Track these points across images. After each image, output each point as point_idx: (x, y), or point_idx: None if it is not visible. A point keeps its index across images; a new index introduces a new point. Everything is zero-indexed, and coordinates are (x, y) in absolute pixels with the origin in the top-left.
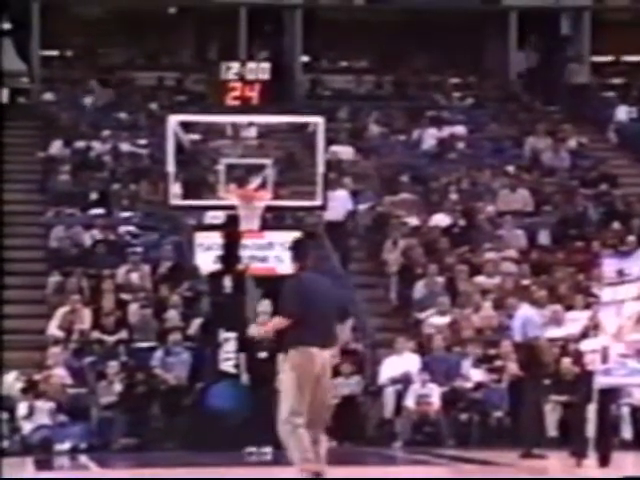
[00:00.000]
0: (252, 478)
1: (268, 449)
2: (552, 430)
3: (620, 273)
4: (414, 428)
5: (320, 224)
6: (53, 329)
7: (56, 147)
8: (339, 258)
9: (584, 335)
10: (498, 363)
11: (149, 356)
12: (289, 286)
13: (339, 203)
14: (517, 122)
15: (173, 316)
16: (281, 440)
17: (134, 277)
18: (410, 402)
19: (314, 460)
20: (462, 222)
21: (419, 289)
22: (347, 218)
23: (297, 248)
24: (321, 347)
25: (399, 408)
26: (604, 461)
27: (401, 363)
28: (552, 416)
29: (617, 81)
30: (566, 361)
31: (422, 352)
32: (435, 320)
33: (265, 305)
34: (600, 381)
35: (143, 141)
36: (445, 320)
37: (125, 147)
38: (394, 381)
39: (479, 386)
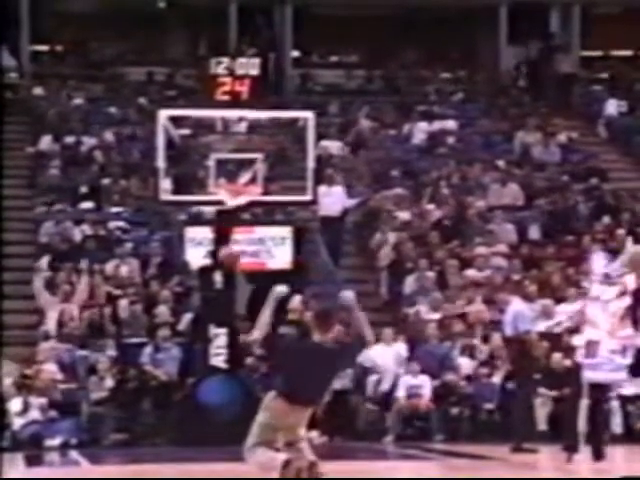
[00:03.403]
0: (244, 478)
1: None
2: (543, 424)
3: (606, 276)
4: (405, 422)
5: (313, 219)
6: (51, 325)
7: (45, 142)
8: (331, 253)
9: (575, 328)
10: (489, 357)
11: (139, 352)
12: (283, 350)
13: (336, 199)
14: (507, 117)
15: (163, 311)
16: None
17: (124, 272)
18: (401, 394)
19: (282, 454)
20: (453, 216)
21: (409, 284)
22: (343, 214)
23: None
24: (301, 405)
25: (387, 402)
26: (598, 456)
27: (386, 351)
28: (543, 410)
29: (606, 75)
30: (557, 355)
31: (412, 345)
32: (426, 317)
33: (296, 301)
34: (588, 376)
35: (133, 136)
36: (436, 316)
37: (115, 142)
38: (372, 371)
39: (470, 380)
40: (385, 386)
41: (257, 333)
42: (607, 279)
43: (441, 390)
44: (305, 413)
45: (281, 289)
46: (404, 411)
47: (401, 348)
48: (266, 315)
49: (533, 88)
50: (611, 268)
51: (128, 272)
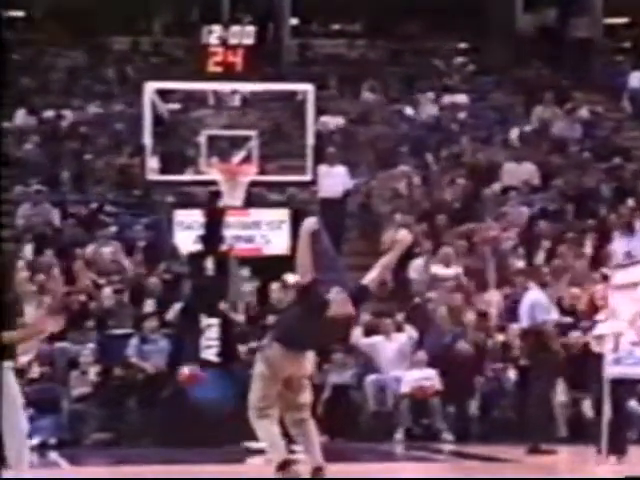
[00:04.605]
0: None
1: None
2: (562, 427)
3: (629, 255)
4: (412, 420)
5: (313, 201)
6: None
7: (21, 117)
8: (332, 238)
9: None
10: (503, 350)
11: (124, 344)
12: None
13: (337, 180)
14: (523, 90)
15: (150, 300)
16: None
17: (107, 258)
18: (407, 388)
19: (285, 450)
20: (463, 197)
21: (415, 268)
22: (345, 196)
23: None
24: (296, 350)
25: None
26: (619, 457)
27: (387, 345)
28: (562, 411)
29: (631, 44)
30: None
31: (422, 338)
32: (441, 271)
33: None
34: (610, 371)
35: (118, 110)
36: (451, 272)
37: (98, 117)
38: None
39: (482, 374)
40: (389, 400)
41: (302, 278)
42: (629, 258)
43: (450, 384)
44: (302, 363)
45: (312, 220)
46: (411, 404)
47: (404, 338)
48: (306, 256)
49: (551, 58)
50: (633, 245)
51: (112, 258)
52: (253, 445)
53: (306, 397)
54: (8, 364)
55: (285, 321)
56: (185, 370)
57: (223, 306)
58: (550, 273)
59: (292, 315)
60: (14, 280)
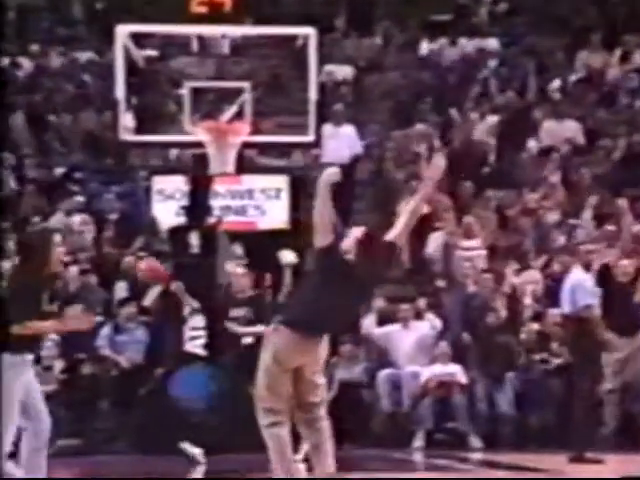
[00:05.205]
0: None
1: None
2: (611, 426)
3: None
4: (433, 423)
5: (316, 166)
6: None
7: None
8: (339, 210)
9: None
10: (541, 340)
11: (93, 334)
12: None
13: (345, 141)
14: (565, 32)
15: (124, 283)
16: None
17: (73, 232)
18: (430, 381)
19: (293, 468)
20: (494, 161)
21: (435, 239)
22: (354, 160)
23: None
24: (309, 336)
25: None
26: None
27: (405, 336)
28: (611, 409)
29: None
30: None
31: (446, 327)
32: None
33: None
34: None
35: (85, 58)
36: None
37: (62, 66)
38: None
39: (516, 369)
40: (405, 400)
41: (322, 240)
42: None
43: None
44: (316, 352)
45: (333, 170)
46: (432, 404)
47: (425, 328)
48: (326, 213)
49: None
50: None
51: (79, 232)
52: (189, 449)
53: (320, 395)
54: (17, 358)
55: (296, 299)
56: (142, 264)
57: (177, 286)
58: (599, 240)
59: (306, 290)
60: (49, 260)
